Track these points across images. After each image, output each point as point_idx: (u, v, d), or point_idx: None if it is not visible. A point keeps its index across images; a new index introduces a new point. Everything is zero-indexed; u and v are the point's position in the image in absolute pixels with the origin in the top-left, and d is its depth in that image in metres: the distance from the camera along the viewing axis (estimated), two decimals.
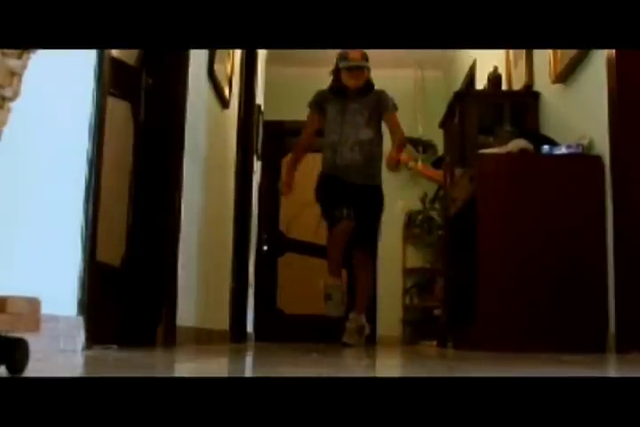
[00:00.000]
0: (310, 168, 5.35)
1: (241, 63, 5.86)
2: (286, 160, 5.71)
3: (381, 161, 5.00)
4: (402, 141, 5.03)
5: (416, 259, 7.85)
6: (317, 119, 5.07)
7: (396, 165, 4.97)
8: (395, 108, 4.96)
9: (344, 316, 4.89)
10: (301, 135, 5.25)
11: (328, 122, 4.96)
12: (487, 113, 4.88)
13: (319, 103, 5.02)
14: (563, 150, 3.90)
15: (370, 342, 5.59)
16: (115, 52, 3.10)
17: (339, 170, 4.85)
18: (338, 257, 4.83)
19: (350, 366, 2.44)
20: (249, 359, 2.82)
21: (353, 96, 4.88)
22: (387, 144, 5.04)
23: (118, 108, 3.26)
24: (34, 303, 1.34)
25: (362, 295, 4.99)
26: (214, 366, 2.17)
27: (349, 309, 4.99)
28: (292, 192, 5.30)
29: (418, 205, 7.75)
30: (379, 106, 4.90)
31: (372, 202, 4.97)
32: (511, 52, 5.45)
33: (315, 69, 5.42)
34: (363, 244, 4.94)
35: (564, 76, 4.26)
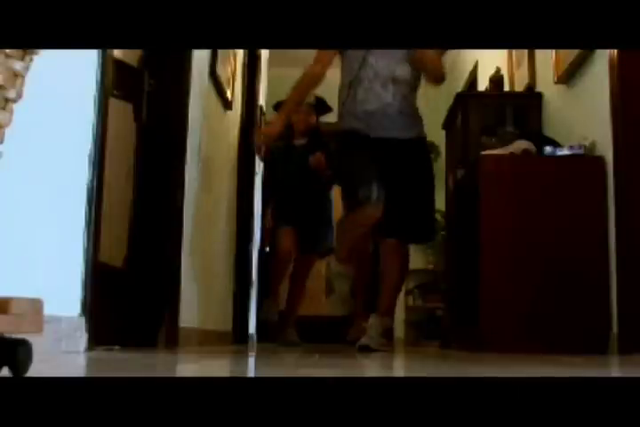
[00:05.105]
0: None
1: (243, 64, 5.86)
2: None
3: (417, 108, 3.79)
4: (440, 75, 3.80)
5: (418, 260, 7.83)
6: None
7: None
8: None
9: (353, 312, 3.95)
10: (312, 66, 3.87)
11: (348, 55, 3.74)
12: (489, 114, 4.88)
13: None
14: (565, 151, 3.90)
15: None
16: (117, 54, 3.11)
17: (362, 119, 3.64)
18: (357, 244, 3.68)
19: (352, 366, 2.44)
20: (251, 360, 2.82)
21: None
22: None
23: (120, 110, 3.26)
24: (36, 304, 1.33)
25: (388, 291, 3.76)
26: (216, 367, 2.17)
27: (369, 309, 3.92)
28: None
29: None
30: None
31: (416, 163, 3.65)
32: (513, 52, 5.45)
33: None
34: (405, 230, 3.61)
35: (567, 76, 4.26)
